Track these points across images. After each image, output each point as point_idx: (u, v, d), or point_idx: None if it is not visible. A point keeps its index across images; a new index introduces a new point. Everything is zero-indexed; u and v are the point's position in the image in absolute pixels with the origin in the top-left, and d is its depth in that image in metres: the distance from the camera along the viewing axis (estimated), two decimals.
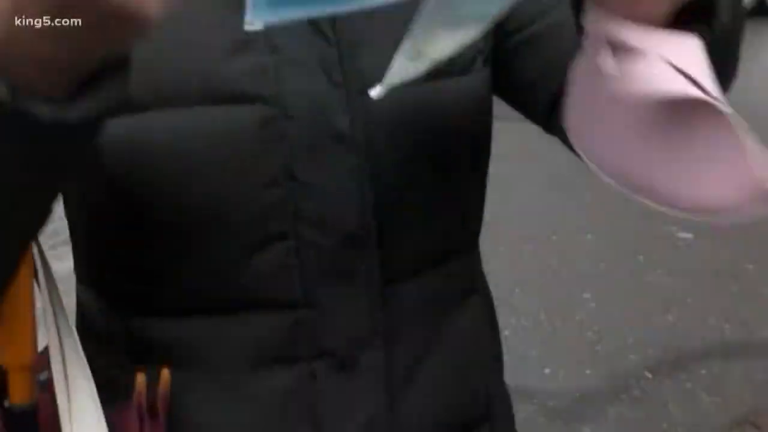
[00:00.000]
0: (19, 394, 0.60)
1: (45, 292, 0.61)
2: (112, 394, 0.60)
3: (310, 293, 0.63)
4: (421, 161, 0.65)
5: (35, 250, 0.60)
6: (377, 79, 0.55)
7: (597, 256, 3.33)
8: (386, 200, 0.64)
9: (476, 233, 0.76)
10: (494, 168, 0.80)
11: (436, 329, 0.70)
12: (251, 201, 0.60)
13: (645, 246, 3.36)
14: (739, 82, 0.63)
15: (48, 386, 0.60)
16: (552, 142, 0.77)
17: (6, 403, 0.60)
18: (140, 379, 0.60)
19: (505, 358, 0.81)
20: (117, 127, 0.56)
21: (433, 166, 0.67)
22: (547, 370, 2.65)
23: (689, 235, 3.41)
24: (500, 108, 0.78)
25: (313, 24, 0.59)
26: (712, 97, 0.46)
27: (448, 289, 0.71)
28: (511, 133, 4.22)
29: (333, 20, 0.59)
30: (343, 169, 0.61)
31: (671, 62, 0.46)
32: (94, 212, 0.66)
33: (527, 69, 0.70)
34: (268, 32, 0.58)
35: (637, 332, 2.82)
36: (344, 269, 0.63)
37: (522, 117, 0.80)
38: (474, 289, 0.76)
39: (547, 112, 0.70)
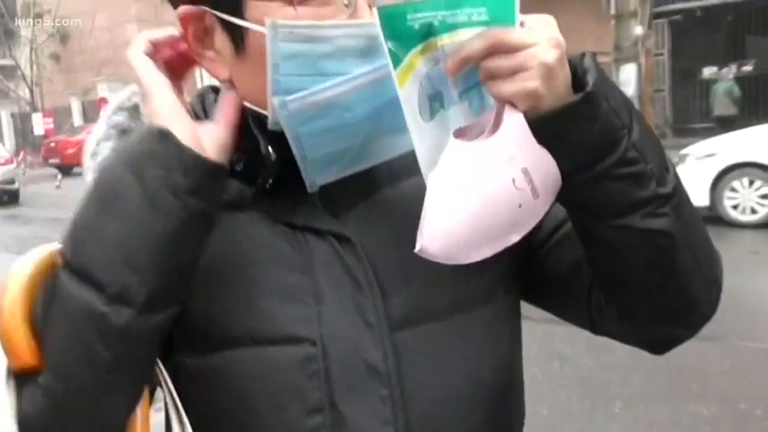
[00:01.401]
0: None
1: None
2: None
3: None
4: (450, 384, 0.74)
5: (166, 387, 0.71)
6: (403, 319, 0.72)
7: None
8: (417, 424, 0.71)
9: None
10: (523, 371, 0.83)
11: None
12: (296, 426, 0.70)
13: None
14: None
15: None
16: (578, 344, 0.83)
17: None
18: None
19: None
20: (197, 365, 0.73)
21: (463, 385, 0.75)
22: None
23: None
24: (524, 308, 0.85)
25: (353, 279, 0.72)
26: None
27: None
28: (537, 334, 4.22)
29: (370, 272, 0.72)
30: (376, 398, 0.70)
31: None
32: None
33: (562, 265, 0.80)
34: (314, 283, 0.72)
35: None
36: None
37: (548, 318, 0.87)
38: None
39: (587, 304, 0.79)
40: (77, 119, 25.83)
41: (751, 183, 8.12)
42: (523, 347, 0.84)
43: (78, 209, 0.66)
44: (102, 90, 24.68)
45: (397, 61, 0.64)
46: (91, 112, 25.65)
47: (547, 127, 0.64)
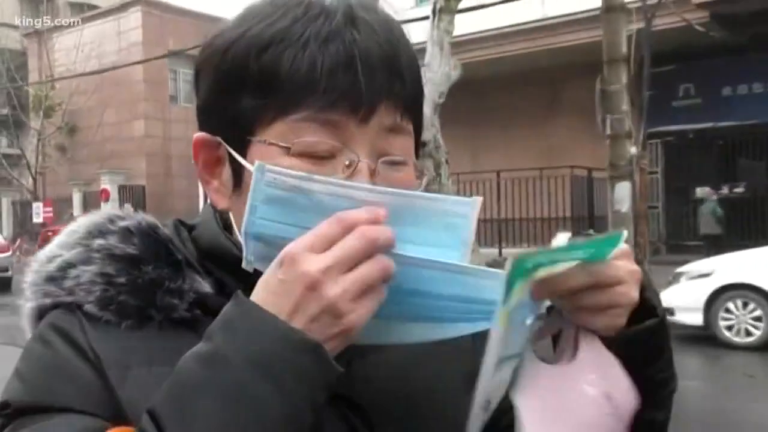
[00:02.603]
0: None
1: None
2: None
3: None
4: None
5: None
6: None
7: None
8: None
9: None
10: None
11: None
12: None
13: None
14: None
15: None
16: None
17: None
18: None
19: None
20: None
21: None
22: None
23: None
24: None
25: None
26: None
27: None
28: None
29: None
30: None
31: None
32: None
33: None
34: None
35: None
36: None
37: None
38: None
39: None
40: (77, 209, 26.02)
41: (745, 305, 8.13)
42: None
43: (189, 404, 0.60)
44: (104, 182, 25.03)
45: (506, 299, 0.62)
46: (91, 203, 25.90)
47: (627, 346, 0.70)
